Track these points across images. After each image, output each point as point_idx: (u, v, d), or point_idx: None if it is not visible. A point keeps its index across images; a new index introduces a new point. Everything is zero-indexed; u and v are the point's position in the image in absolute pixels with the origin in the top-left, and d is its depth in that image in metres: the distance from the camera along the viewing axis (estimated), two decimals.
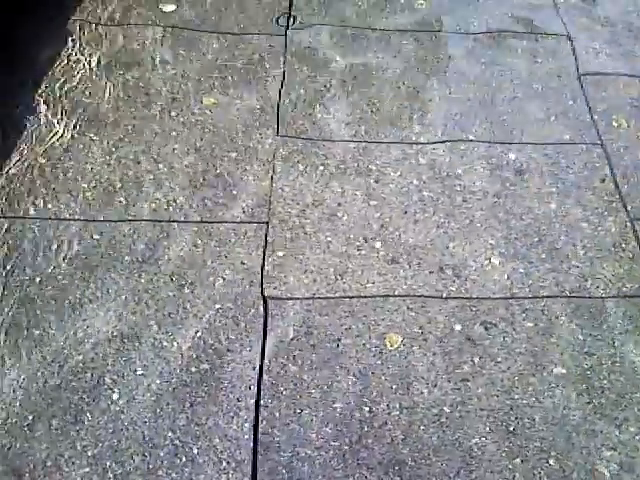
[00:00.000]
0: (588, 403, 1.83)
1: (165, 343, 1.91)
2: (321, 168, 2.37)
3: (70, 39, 2.78)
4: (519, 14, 3.05)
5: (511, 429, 1.77)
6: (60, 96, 2.55)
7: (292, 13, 2.99)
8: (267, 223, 2.20)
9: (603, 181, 2.36)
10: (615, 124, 2.56)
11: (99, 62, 2.70)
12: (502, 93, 2.68)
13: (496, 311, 2.01)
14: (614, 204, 2.30)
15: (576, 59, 2.82)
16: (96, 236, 2.14)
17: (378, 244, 2.17)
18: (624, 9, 3.10)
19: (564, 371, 1.89)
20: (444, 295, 2.05)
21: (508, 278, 2.09)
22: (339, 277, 2.08)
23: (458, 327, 1.97)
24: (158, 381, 1.83)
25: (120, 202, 2.24)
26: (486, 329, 1.97)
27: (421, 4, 3.07)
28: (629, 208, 2.29)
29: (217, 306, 2.00)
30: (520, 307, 2.02)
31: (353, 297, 2.04)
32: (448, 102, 2.63)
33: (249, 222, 2.21)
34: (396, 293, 2.05)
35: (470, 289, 2.06)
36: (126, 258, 2.09)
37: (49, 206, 2.21)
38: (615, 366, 1.91)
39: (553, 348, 1.94)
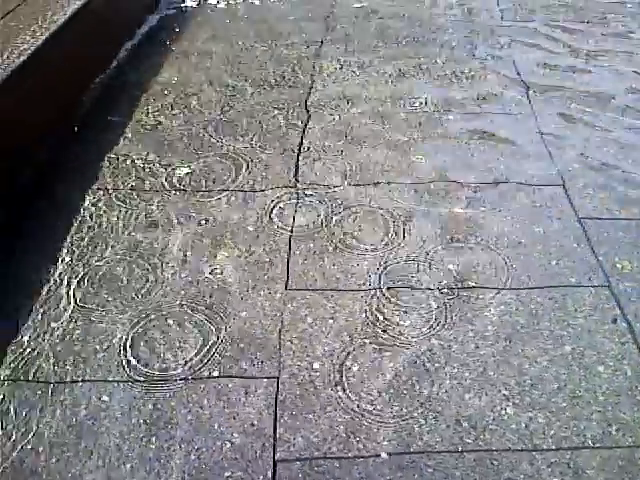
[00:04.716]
0: None
1: None
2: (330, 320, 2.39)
3: (90, 205, 2.95)
4: (512, 165, 3.21)
5: None
6: (72, 260, 2.65)
7: (300, 172, 3.17)
8: (277, 378, 2.17)
9: (615, 322, 2.35)
10: (619, 265, 2.59)
11: (115, 225, 2.83)
12: (505, 238, 2.75)
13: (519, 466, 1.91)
14: (626, 345, 2.27)
15: (572, 205, 2.92)
16: (105, 398, 2.12)
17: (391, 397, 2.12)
18: (614, 155, 3.26)
19: None
20: (460, 448, 1.96)
21: (526, 427, 2.01)
22: (351, 435, 2.01)
23: None
24: None
25: (130, 361, 2.24)
26: None
27: (420, 159, 3.25)
28: None
29: (226, 474, 1.92)
30: (545, 460, 1.92)
31: (369, 457, 1.95)
32: (451, 251, 2.69)
33: (259, 377, 2.18)
34: (412, 450, 1.96)
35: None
36: (133, 421, 2.05)
37: (55, 369, 2.21)
38: None
39: None
